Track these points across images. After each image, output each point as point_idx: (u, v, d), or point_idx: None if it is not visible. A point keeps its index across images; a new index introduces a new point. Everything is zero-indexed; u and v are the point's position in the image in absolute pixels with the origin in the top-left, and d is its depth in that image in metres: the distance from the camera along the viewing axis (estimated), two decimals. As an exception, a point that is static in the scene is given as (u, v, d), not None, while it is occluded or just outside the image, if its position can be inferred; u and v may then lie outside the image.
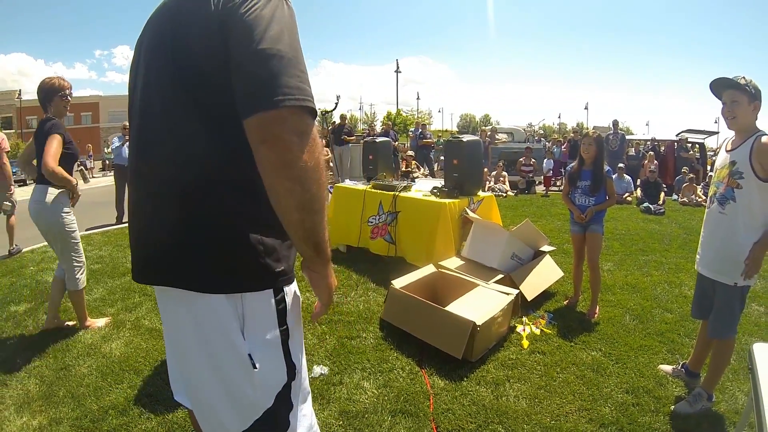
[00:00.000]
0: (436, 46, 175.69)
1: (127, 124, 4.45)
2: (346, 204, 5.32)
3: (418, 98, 62.31)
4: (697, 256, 2.65)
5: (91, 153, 27.23)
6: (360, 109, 70.42)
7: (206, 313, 1.12)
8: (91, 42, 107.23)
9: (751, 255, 2.34)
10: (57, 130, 3.14)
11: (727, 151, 2.51)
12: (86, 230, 7.20)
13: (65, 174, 3.12)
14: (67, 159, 3.21)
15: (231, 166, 1.09)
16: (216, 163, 1.09)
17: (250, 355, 1.15)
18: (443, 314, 3.03)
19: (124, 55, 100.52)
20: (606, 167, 3.77)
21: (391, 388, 2.67)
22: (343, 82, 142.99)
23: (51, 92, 3.26)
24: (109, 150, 8.07)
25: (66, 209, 3.26)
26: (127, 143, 8.23)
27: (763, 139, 2.29)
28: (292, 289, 1.22)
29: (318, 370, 2.80)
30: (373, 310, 3.73)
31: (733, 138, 2.50)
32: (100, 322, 3.56)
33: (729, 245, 2.42)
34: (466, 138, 4.73)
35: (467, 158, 4.58)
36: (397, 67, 41.33)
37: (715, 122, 59.22)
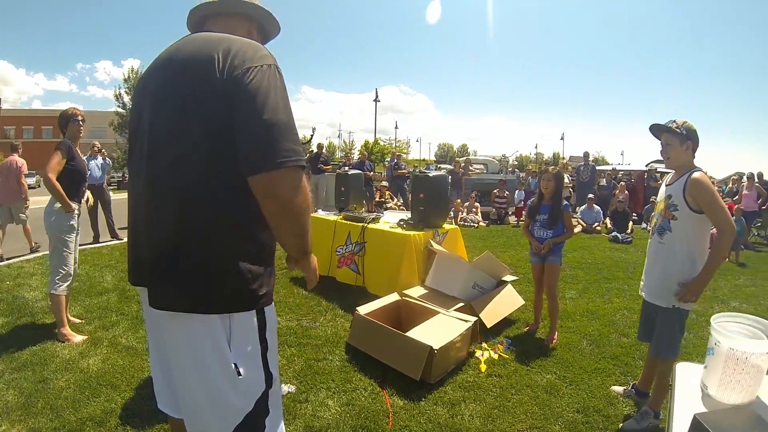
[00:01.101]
0: (415, 76, 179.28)
1: (98, 144, 6.58)
2: (318, 234, 5.55)
3: (396, 127, 63.42)
4: (641, 283, 2.90)
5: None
6: (339, 136, 71.09)
7: (200, 329, 1.34)
8: (74, 55, 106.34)
9: (688, 286, 2.58)
10: (60, 147, 3.68)
11: (666, 186, 2.79)
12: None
13: (57, 185, 3.60)
14: (70, 174, 3.71)
15: (227, 214, 1.35)
16: (216, 210, 1.33)
17: (235, 364, 1.37)
18: (403, 339, 3.28)
19: (106, 70, 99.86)
20: (564, 202, 4.10)
21: (353, 406, 2.88)
22: (323, 109, 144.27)
23: (66, 118, 3.85)
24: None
25: (67, 219, 3.70)
26: (96, 162, 8.22)
27: (694, 175, 2.57)
28: (271, 309, 1.49)
29: (285, 388, 3.00)
30: (339, 334, 3.95)
31: (672, 174, 2.79)
32: (77, 338, 3.74)
33: (667, 272, 2.66)
34: (432, 173, 5.06)
35: (433, 192, 4.89)
36: (376, 96, 42.18)
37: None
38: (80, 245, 7.46)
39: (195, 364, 1.37)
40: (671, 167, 2.78)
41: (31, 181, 25.00)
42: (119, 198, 18.39)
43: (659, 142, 2.78)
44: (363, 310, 3.72)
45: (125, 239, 7.41)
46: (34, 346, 3.58)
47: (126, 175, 26.96)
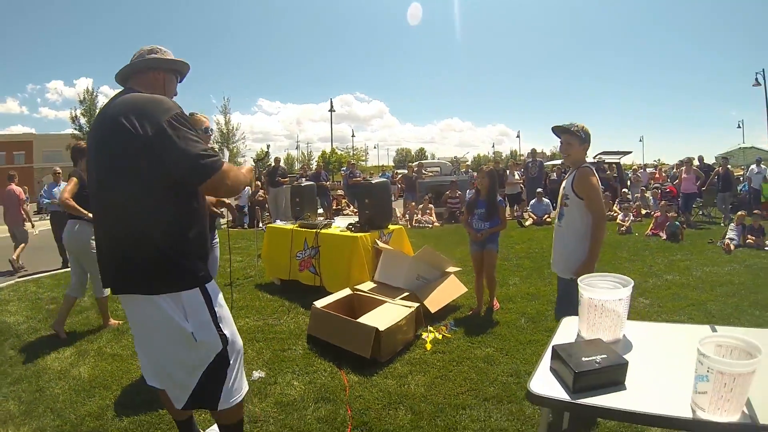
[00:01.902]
0: (371, 82, 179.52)
1: (59, 169, 7.01)
2: (278, 242, 6.10)
3: (353, 135, 63.78)
4: (552, 260, 3.46)
5: (27, 195, 26.24)
6: (297, 148, 70.90)
7: (162, 308, 1.89)
8: (24, 75, 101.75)
9: (581, 265, 3.11)
10: (75, 174, 4.34)
11: (565, 180, 3.39)
12: (33, 274, 7.57)
13: (74, 204, 4.22)
14: (84, 198, 4.21)
15: (163, 221, 1.88)
16: (155, 220, 1.87)
17: (192, 333, 1.92)
18: (354, 324, 3.84)
19: (58, 90, 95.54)
20: (498, 198, 4.77)
21: (315, 384, 3.39)
22: (280, 120, 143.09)
23: (79, 152, 4.48)
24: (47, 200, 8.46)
25: (89, 233, 4.21)
26: (59, 189, 8.36)
27: (580, 170, 3.17)
28: (213, 286, 2.04)
29: (256, 374, 3.49)
30: (302, 328, 4.46)
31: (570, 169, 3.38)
32: (115, 323, 4.75)
33: (565, 250, 3.24)
34: (374, 180, 5.66)
35: (377, 198, 5.47)
36: (331, 107, 42.47)
37: (640, 140, 64.29)
38: (50, 270, 7.89)
39: (163, 336, 1.95)
40: (569, 163, 3.35)
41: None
42: None
43: (559, 140, 3.33)
44: (319, 304, 4.27)
45: (60, 270, 7.69)
46: (26, 363, 3.91)
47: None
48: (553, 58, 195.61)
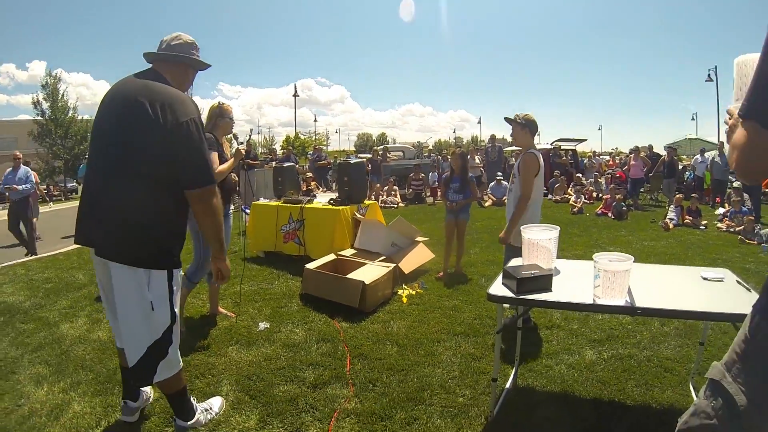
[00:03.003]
0: (332, 67, 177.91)
1: (20, 154, 7.49)
2: (263, 218, 6.68)
3: (315, 120, 63.59)
4: None
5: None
6: (258, 133, 70.01)
7: (136, 279, 2.19)
8: None
9: (502, 234, 3.95)
10: None
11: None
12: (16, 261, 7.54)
13: None
14: None
15: (165, 211, 2.22)
16: (160, 208, 2.20)
17: (151, 302, 2.23)
18: (343, 280, 4.52)
19: (10, 73, 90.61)
20: (470, 174, 5.65)
21: (313, 330, 4.02)
22: (241, 105, 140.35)
23: None
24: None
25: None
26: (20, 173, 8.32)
27: (526, 153, 3.89)
28: (179, 271, 2.37)
29: (262, 325, 4.10)
30: (293, 290, 5.09)
31: None
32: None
33: (509, 218, 4.02)
34: (353, 160, 6.34)
35: (354, 175, 6.17)
36: (295, 91, 42.10)
37: (599, 129, 65.95)
38: (25, 259, 7.82)
39: (127, 298, 2.23)
40: (517, 146, 4.15)
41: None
42: (48, 210, 17.74)
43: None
44: (310, 266, 4.91)
45: (44, 254, 7.84)
46: (41, 333, 4.13)
47: (49, 187, 25.12)
48: (516, 46, 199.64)
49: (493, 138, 16.05)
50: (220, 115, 4.06)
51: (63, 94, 32.14)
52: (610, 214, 10.71)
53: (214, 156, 3.75)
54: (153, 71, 2.34)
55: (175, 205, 2.24)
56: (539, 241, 2.65)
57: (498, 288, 2.46)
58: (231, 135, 4.69)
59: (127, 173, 2.15)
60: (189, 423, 2.55)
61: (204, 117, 3.58)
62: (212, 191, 2.25)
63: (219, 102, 4.18)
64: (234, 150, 4.26)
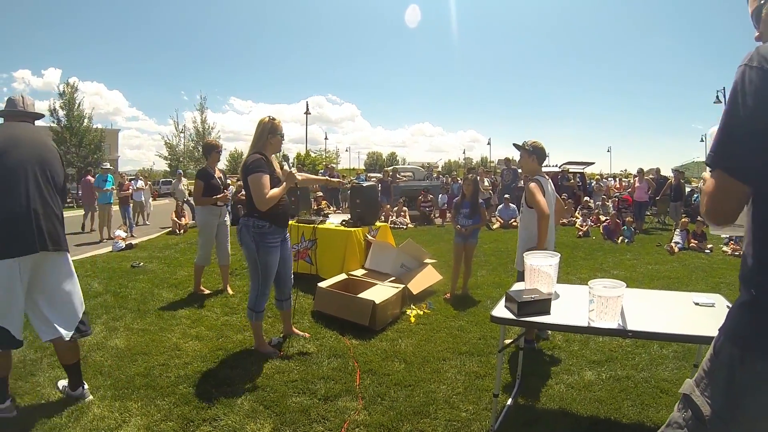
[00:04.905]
0: (343, 85, 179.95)
1: None
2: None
3: (326, 138, 64.22)
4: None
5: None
6: (270, 149, 70.13)
7: (67, 259, 3.03)
8: None
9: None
10: (198, 175, 5.73)
11: None
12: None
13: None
14: (210, 189, 5.59)
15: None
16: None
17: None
18: (355, 299, 4.70)
19: (26, 79, 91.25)
20: (480, 200, 5.89)
21: (325, 346, 4.20)
22: (252, 120, 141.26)
23: (210, 148, 5.83)
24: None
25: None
26: None
27: (529, 184, 4.04)
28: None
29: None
30: (304, 307, 5.27)
31: None
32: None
33: (519, 248, 4.18)
34: (365, 184, 6.58)
35: (366, 198, 6.39)
36: (307, 109, 42.50)
37: (608, 151, 65.34)
38: None
39: (66, 279, 3.02)
40: (524, 173, 4.33)
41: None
42: (72, 215, 17.98)
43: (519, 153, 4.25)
44: (323, 285, 5.12)
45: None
46: None
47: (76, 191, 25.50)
48: (526, 67, 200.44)
49: (507, 161, 16.14)
50: (272, 132, 3.78)
51: (79, 104, 32.98)
52: (615, 239, 10.88)
53: (266, 179, 3.56)
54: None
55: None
56: (540, 267, 2.83)
57: (501, 310, 2.66)
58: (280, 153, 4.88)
59: (53, 189, 3.01)
60: (76, 393, 3.17)
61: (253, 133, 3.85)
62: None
63: (269, 117, 3.83)
64: (286, 172, 3.94)
